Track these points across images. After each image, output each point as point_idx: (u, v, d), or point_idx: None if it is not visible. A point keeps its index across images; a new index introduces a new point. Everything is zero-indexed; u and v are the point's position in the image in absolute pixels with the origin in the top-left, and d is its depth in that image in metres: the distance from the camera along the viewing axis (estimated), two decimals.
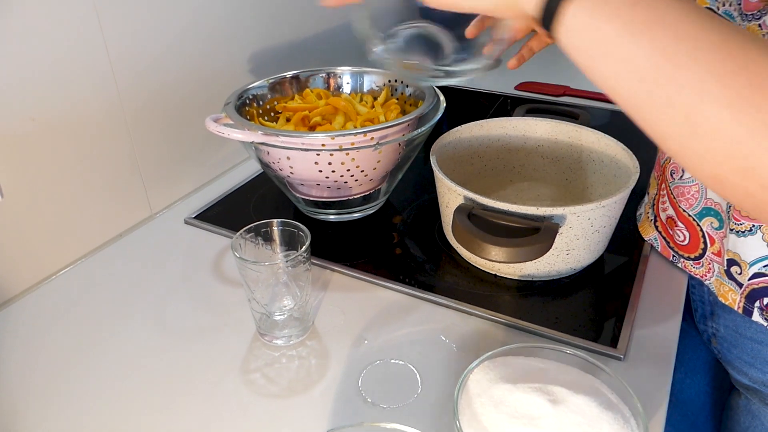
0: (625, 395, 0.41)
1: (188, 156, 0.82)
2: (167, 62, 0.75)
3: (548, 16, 0.35)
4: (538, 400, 0.39)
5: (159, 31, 0.72)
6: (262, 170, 0.88)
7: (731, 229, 0.55)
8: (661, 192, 0.65)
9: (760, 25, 0.50)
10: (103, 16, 0.65)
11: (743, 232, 0.54)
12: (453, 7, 0.41)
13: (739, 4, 0.52)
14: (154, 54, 0.73)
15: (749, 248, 0.54)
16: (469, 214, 0.57)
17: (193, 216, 0.77)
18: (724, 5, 0.53)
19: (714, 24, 0.30)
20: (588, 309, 0.61)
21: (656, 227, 0.66)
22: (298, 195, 0.74)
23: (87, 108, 0.66)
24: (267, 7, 0.89)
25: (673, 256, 0.65)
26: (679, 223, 0.62)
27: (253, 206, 0.80)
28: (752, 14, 0.51)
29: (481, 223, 0.56)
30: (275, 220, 0.57)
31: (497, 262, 0.55)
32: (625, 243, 0.69)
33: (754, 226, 0.53)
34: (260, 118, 0.75)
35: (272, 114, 0.77)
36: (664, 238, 0.65)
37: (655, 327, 0.58)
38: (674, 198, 0.62)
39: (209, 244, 0.72)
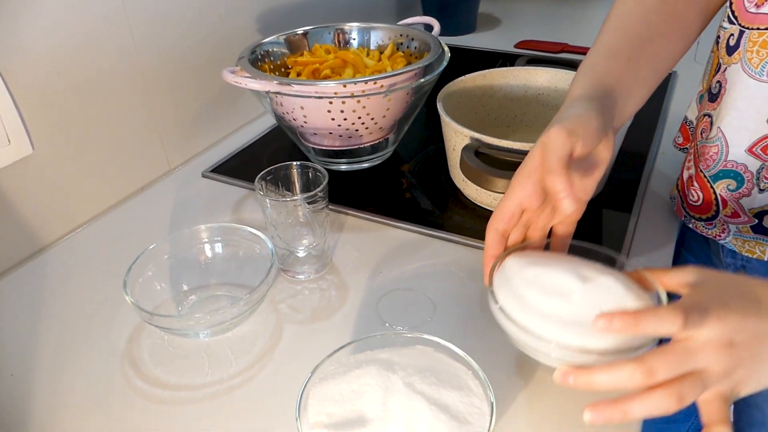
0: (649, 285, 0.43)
1: (203, 113, 0.85)
2: (181, 22, 0.77)
3: None
4: (568, 278, 0.42)
5: None
6: (275, 125, 0.91)
7: (762, 189, 0.55)
8: (690, 150, 0.63)
9: None
10: None
11: None
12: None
13: None
14: (169, 14, 0.75)
15: None
16: (475, 152, 0.61)
17: (210, 170, 0.81)
18: None
19: None
20: (589, 231, 0.65)
21: (677, 185, 0.66)
22: (309, 145, 0.77)
23: (108, 66, 0.69)
24: None
25: (685, 216, 0.64)
26: (696, 183, 0.60)
27: (267, 159, 0.83)
28: None
29: (486, 160, 0.60)
30: (294, 163, 0.61)
31: (503, 193, 0.58)
32: (627, 173, 0.73)
33: None
34: (272, 73, 0.79)
35: (283, 69, 0.80)
36: (681, 197, 0.64)
37: (655, 250, 0.62)
38: (699, 157, 0.60)
39: (227, 195, 0.76)
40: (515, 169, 0.58)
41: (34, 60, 0.61)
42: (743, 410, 0.71)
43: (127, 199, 0.76)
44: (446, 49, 0.75)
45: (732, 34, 0.54)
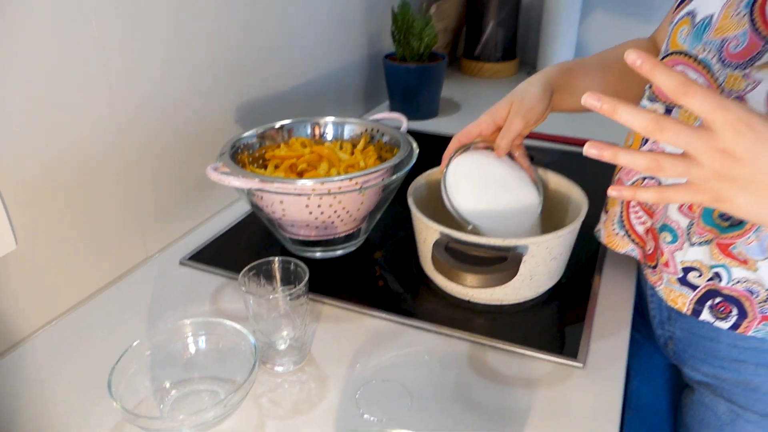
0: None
1: (181, 200, 0.88)
2: (162, 114, 0.81)
3: None
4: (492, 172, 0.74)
5: (157, 85, 0.79)
6: (249, 212, 0.95)
7: (692, 243, 0.63)
8: (632, 208, 0.72)
9: (744, 75, 0.56)
10: (110, 72, 0.71)
11: (701, 243, 0.62)
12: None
13: (720, 54, 0.59)
14: (150, 109, 0.79)
15: (707, 257, 0.62)
16: (445, 246, 0.65)
17: (188, 257, 0.83)
18: (703, 52, 0.61)
19: None
20: (551, 326, 0.70)
21: (632, 240, 0.73)
22: (286, 234, 0.81)
23: (92, 161, 0.72)
24: (252, 62, 0.98)
25: (643, 264, 0.73)
26: (650, 234, 0.70)
27: (244, 246, 0.86)
28: (736, 63, 0.57)
29: (456, 255, 0.65)
30: (276, 258, 0.64)
31: (472, 287, 0.63)
32: (580, 268, 0.78)
33: (713, 238, 0.62)
34: (251, 165, 0.83)
35: (261, 161, 0.84)
36: (641, 248, 0.73)
37: (609, 338, 0.67)
38: (651, 210, 0.69)
39: (205, 284, 0.78)
40: (485, 264, 0.63)
41: (21, 158, 0.64)
42: (696, 410, 0.75)
43: (105, 288, 0.77)
44: (415, 146, 0.81)
45: (656, 111, 0.64)
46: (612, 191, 0.47)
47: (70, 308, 0.73)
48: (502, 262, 0.64)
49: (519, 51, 1.81)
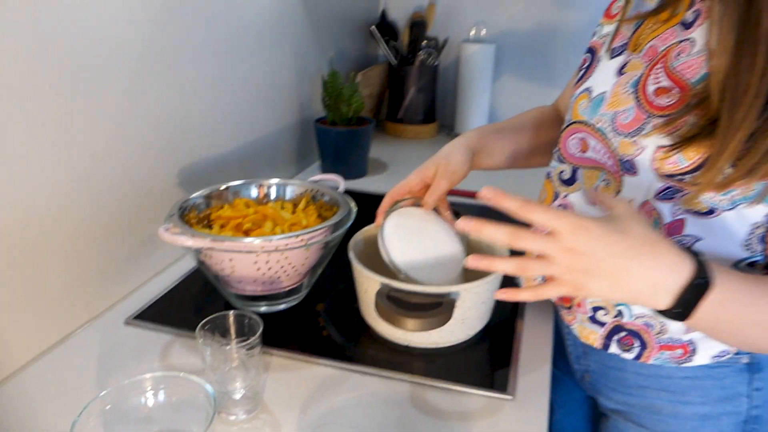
0: None
1: (124, 261, 0.90)
2: (105, 178, 0.84)
3: (682, 313, 0.55)
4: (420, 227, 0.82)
5: (101, 151, 0.83)
6: (192, 270, 0.98)
7: None
8: None
9: (632, 142, 0.66)
10: (56, 136, 0.74)
11: None
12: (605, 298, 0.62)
13: (613, 124, 0.70)
14: (94, 170, 0.82)
15: None
16: (387, 295, 0.72)
17: (133, 317, 0.85)
18: (600, 122, 0.71)
19: None
20: (483, 365, 0.77)
21: None
22: (231, 290, 0.85)
23: (38, 226, 0.74)
24: (192, 127, 1.03)
25: (558, 306, 0.83)
26: None
27: (188, 303, 0.89)
28: (626, 132, 0.67)
29: (397, 302, 0.72)
30: (231, 312, 0.68)
31: (413, 331, 0.70)
32: (505, 311, 0.87)
33: None
34: (197, 225, 0.87)
35: (206, 222, 0.89)
36: None
37: (534, 372, 0.75)
38: None
39: (152, 342, 0.80)
40: (425, 309, 0.71)
41: None
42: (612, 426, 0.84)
43: (48, 352, 0.77)
44: (353, 205, 0.88)
45: (563, 170, 0.77)
46: (499, 294, 0.60)
47: (9, 374, 0.73)
48: (437, 308, 0.71)
49: (438, 114, 1.96)
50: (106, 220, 0.85)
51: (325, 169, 1.46)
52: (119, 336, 0.81)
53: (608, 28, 0.76)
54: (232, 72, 1.13)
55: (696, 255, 0.55)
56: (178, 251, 1.02)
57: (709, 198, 0.62)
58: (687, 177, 0.62)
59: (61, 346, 0.79)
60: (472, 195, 1.35)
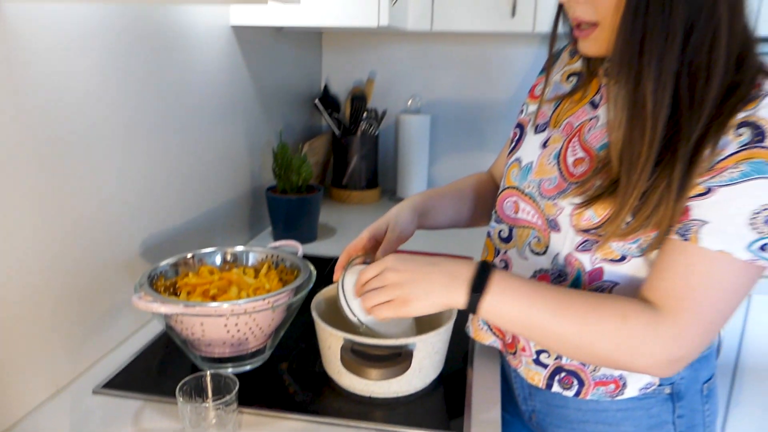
0: None
1: (89, 331, 0.93)
2: (69, 251, 0.88)
3: (471, 310, 0.72)
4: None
5: (65, 223, 0.87)
6: (156, 336, 1.01)
7: None
8: None
9: (554, 204, 0.78)
10: (18, 210, 0.79)
11: None
12: (407, 315, 0.76)
13: (539, 189, 0.81)
14: (57, 243, 0.85)
15: None
16: (351, 349, 0.79)
17: (101, 386, 0.87)
18: (529, 188, 0.83)
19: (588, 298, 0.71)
20: (439, 409, 0.85)
21: (494, 333, 0.92)
22: (198, 353, 0.89)
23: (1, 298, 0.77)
24: (153, 200, 1.08)
25: (504, 352, 0.91)
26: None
27: (155, 368, 0.92)
28: (550, 196, 0.79)
29: (361, 354, 0.79)
30: (208, 372, 0.73)
31: (377, 380, 0.76)
32: (456, 359, 0.95)
33: None
34: (164, 293, 0.91)
35: (172, 289, 0.93)
36: (501, 339, 0.91)
37: (485, 413, 0.83)
38: None
39: (122, 409, 0.82)
40: (387, 359, 0.78)
41: None
42: None
43: (13, 427, 0.78)
44: (312, 269, 0.96)
45: (501, 230, 0.88)
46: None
47: None
48: (397, 357, 0.78)
49: (380, 180, 2.08)
50: (69, 292, 0.88)
51: (277, 236, 1.53)
52: (89, 405, 0.84)
53: (533, 107, 0.90)
54: (189, 146, 1.21)
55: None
56: (140, 319, 1.05)
57: (620, 246, 0.74)
58: (600, 230, 0.74)
59: (27, 419, 0.80)
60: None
